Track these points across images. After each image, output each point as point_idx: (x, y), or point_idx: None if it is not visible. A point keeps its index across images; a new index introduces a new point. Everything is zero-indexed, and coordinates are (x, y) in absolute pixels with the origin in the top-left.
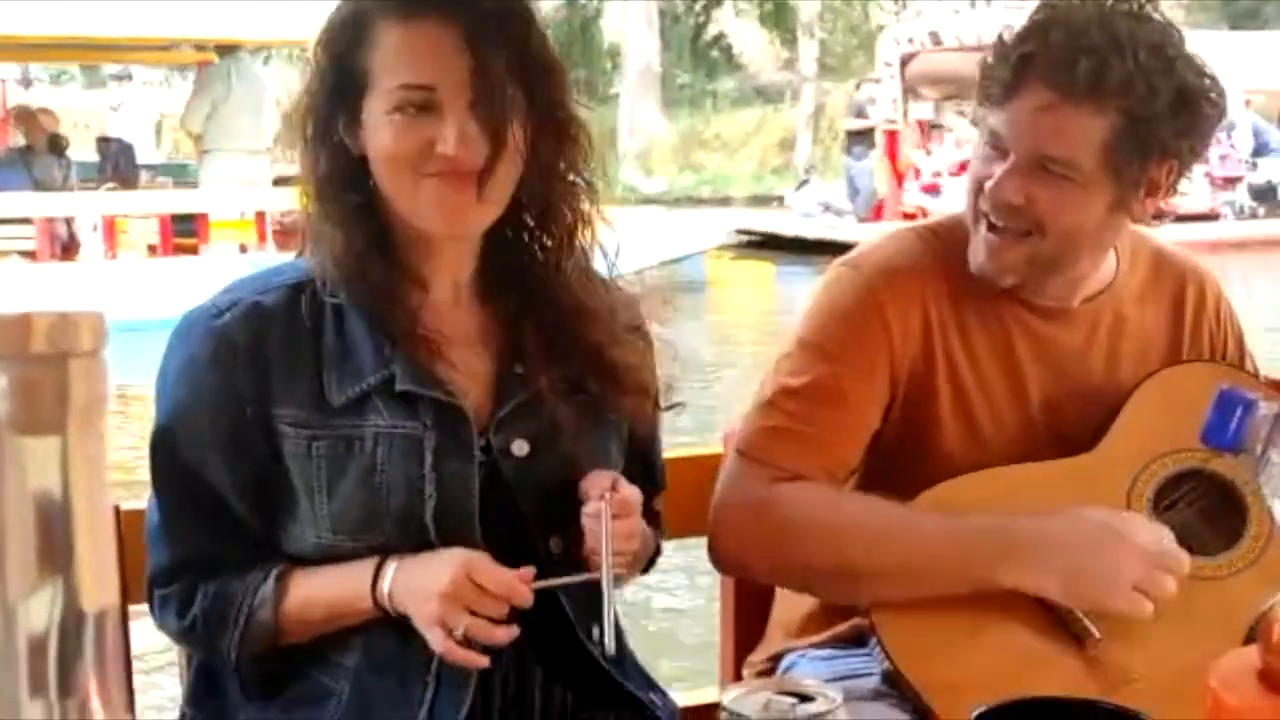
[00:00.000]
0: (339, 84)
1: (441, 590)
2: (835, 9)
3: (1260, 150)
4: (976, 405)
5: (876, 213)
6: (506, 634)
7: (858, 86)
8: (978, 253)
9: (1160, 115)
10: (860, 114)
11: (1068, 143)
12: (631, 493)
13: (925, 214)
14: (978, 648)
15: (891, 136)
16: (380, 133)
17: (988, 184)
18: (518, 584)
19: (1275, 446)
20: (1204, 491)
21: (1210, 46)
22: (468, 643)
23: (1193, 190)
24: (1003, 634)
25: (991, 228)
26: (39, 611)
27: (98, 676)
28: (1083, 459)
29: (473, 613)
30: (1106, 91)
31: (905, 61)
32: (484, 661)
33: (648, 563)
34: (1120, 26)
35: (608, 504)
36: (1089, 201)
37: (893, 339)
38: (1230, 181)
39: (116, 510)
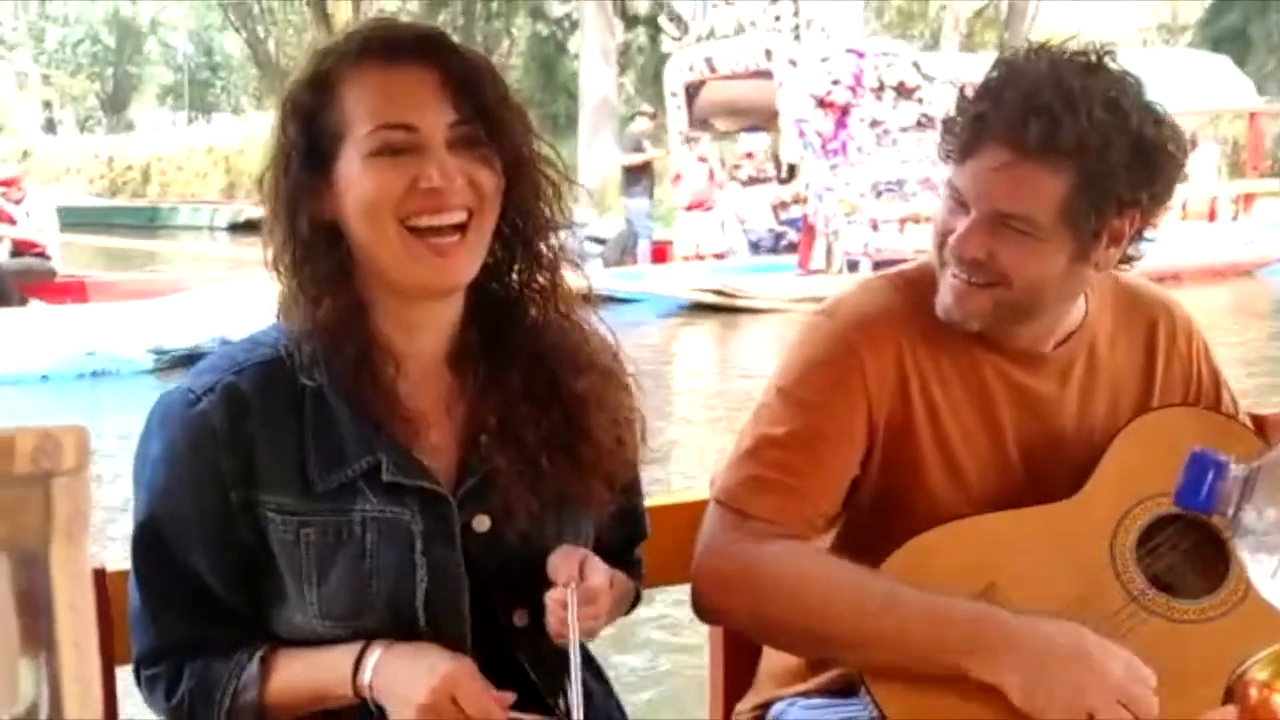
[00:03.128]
0: (309, 147)
1: (421, 702)
2: None
3: None
4: (958, 449)
5: (657, 255)
6: None
7: (632, 118)
8: (945, 297)
9: (1116, 169)
10: (637, 148)
11: (1024, 200)
12: (599, 580)
13: (720, 255)
14: (966, 697)
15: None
16: (360, 179)
17: (951, 238)
18: (495, 710)
19: (1246, 508)
20: (1189, 534)
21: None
22: None
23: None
24: (991, 684)
25: (956, 275)
26: None
27: None
28: (1065, 506)
29: None
30: (1060, 150)
31: (692, 91)
32: None
33: (627, 609)
34: (1073, 83)
35: (573, 594)
36: (1049, 255)
37: (869, 386)
38: None
39: (103, 573)
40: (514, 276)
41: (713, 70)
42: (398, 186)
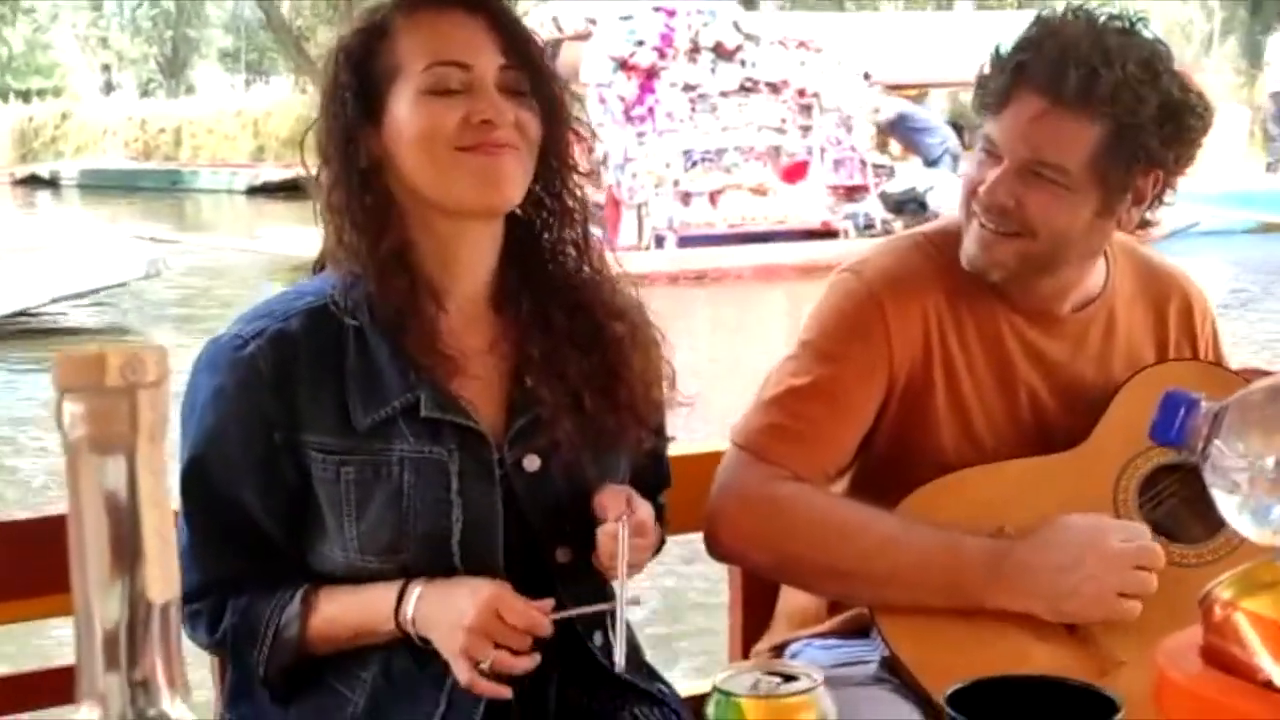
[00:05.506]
0: (361, 90)
1: (468, 624)
2: None
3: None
4: (973, 406)
5: None
6: (529, 663)
7: None
8: (970, 247)
9: (1147, 125)
10: None
11: (1057, 149)
12: (646, 513)
13: None
14: (972, 634)
15: None
16: (414, 115)
17: (981, 188)
18: (539, 617)
19: (1215, 443)
20: (1188, 482)
21: (833, 30)
22: (491, 673)
23: (809, 202)
24: (997, 621)
25: (983, 225)
26: (113, 603)
27: (163, 658)
28: (1071, 455)
29: (496, 645)
30: (1096, 100)
31: (551, 51)
32: (506, 692)
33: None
34: (1110, 40)
35: (625, 526)
36: (1076, 206)
37: (893, 343)
38: (852, 191)
39: None
40: (549, 231)
41: (560, 30)
42: (451, 121)
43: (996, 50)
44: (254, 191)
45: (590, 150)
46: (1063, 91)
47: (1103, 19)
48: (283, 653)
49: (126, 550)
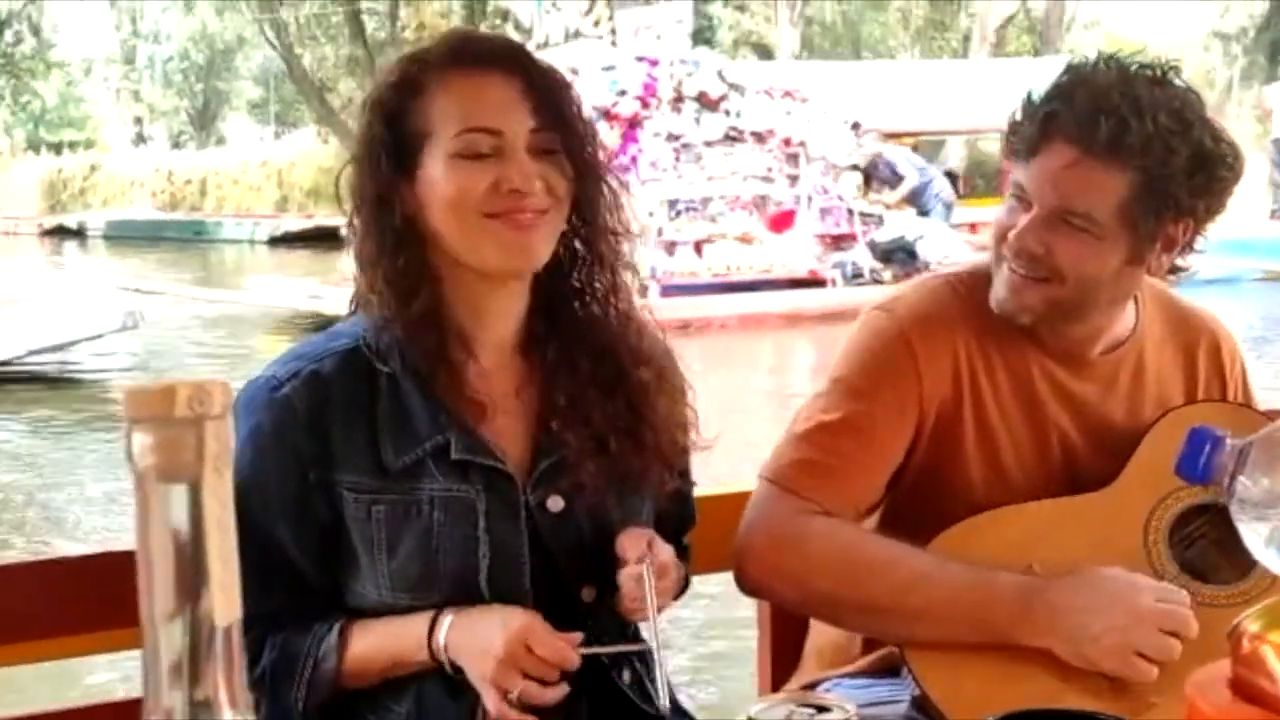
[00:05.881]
0: (395, 146)
1: (498, 655)
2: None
3: (921, 201)
4: (1002, 445)
5: None
6: (556, 694)
7: None
8: (999, 290)
9: (1176, 175)
10: None
11: (1086, 197)
12: (668, 555)
13: None
14: (1003, 672)
15: None
16: (445, 179)
17: (1011, 233)
18: (568, 651)
19: (1241, 479)
20: (1218, 524)
21: (830, 78)
22: (519, 704)
23: (796, 251)
24: (1028, 660)
25: (1013, 269)
26: (178, 624)
27: (225, 677)
28: (1100, 495)
29: (525, 674)
30: (1126, 151)
31: None
32: None
33: (676, 594)
34: (1141, 90)
35: (649, 568)
36: (1105, 254)
37: (923, 381)
38: (840, 240)
39: None
40: (577, 275)
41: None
42: (480, 186)
43: (1028, 97)
44: (276, 241)
45: (618, 203)
46: (1094, 142)
47: (1134, 68)
48: (321, 686)
49: (191, 575)
